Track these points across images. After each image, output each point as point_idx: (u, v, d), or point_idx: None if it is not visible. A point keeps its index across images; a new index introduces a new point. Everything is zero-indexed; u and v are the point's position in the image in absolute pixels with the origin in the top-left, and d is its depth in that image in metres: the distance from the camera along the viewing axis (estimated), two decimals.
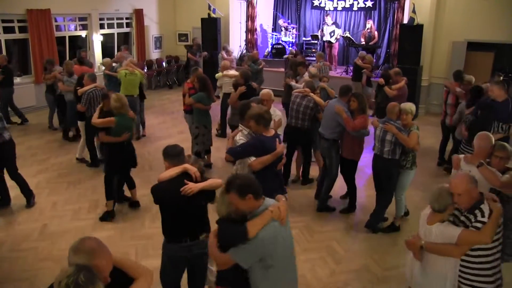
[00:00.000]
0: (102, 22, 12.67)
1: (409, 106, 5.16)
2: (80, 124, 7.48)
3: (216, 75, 8.87)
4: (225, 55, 11.52)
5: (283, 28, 13.98)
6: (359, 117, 5.48)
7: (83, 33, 12.34)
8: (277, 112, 5.65)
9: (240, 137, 4.17)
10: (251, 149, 3.98)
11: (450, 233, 2.98)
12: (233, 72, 8.60)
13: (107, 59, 9.57)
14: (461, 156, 3.99)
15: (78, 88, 7.17)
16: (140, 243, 5.11)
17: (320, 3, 13.95)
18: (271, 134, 4.12)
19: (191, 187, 3.21)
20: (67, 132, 8.93)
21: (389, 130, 4.98)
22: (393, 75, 8.12)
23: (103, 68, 9.54)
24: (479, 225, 2.91)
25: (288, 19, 14.46)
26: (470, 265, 3.01)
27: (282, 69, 12.13)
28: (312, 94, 6.28)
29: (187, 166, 3.37)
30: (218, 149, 7.83)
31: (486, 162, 3.68)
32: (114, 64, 9.20)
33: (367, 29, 12.53)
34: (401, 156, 5.13)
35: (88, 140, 7.36)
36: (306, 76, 7.89)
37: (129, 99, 8.21)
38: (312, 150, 6.77)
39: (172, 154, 3.40)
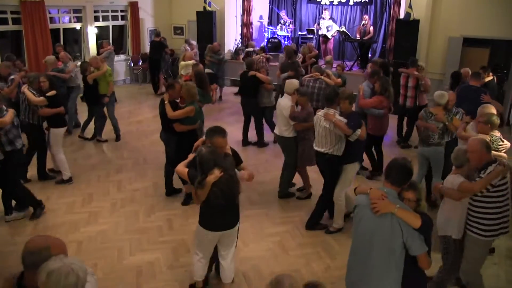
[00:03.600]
0: (96, 14, 12.54)
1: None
2: (59, 131, 6.37)
3: (180, 63, 9.72)
4: (188, 49, 11.46)
5: (281, 21, 13.90)
6: (375, 97, 6.36)
7: (77, 26, 12.22)
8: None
9: (340, 117, 4.81)
10: (359, 122, 4.84)
11: (456, 181, 3.70)
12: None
13: (51, 57, 8.64)
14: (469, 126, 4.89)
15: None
16: (134, 237, 5.08)
17: None
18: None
19: None
20: None
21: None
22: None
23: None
24: (478, 179, 3.61)
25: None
26: (472, 213, 3.73)
27: (277, 63, 12.08)
28: (322, 76, 7.05)
29: None
30: None
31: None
32: (61, 65, 8.55)
33: (362, 24, 12.51)
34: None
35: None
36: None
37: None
38: None
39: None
